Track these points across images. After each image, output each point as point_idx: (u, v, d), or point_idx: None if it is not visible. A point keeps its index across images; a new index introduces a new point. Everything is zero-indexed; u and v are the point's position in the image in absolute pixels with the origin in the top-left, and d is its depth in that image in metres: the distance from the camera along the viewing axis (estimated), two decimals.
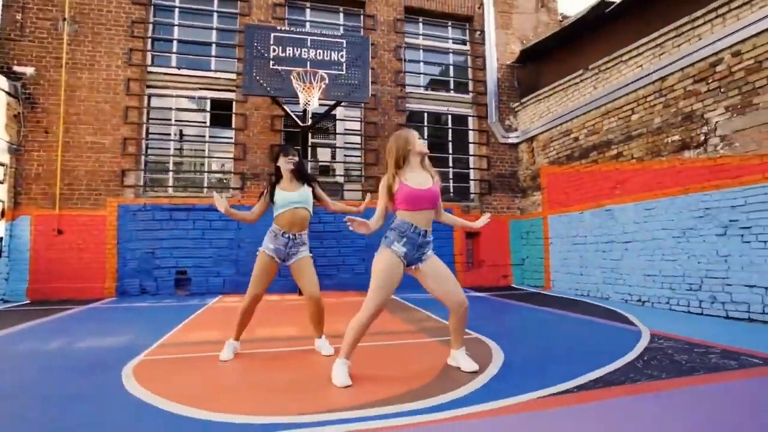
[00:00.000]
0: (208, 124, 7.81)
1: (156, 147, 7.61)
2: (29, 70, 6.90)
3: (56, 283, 6.74)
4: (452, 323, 2.76)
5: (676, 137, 5.52)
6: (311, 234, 7.64)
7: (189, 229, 7.25)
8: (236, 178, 7.60)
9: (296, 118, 6.84)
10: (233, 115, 7.75)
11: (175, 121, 7.77)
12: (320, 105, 6.44)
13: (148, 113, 7.63)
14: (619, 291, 6.19)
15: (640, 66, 6.10)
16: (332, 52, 6.45)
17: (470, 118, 9.03)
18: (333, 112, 7.54)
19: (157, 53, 7.72)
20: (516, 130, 8.94)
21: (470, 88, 9.11)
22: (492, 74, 8.92)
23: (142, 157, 7.37)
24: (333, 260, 7.78)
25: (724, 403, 2.16)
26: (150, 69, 7.52)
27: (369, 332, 2.76)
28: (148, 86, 7.51)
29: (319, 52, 6.38)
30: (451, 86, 9.22)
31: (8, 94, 6.60)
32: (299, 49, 6.32)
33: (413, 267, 2.62)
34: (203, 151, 7.88)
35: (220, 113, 7.84)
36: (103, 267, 6.92)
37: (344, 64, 6.49)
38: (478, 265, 8.64)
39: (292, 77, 5.86)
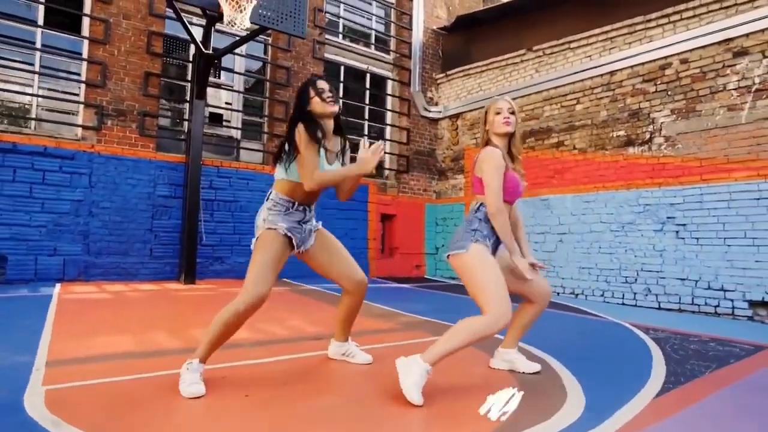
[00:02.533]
0: (41, 22, 5.64)
1: None
2: None
3: None
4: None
5: (622, 132, 6.20)
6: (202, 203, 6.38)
7: (6, 182, 5.16)
8: (88, 113, 5.71)
9: (197, 41, 5.44)
10: (86, 18, 5.78)
11: None
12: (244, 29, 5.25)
13: None
14: (550, 283, 6.73)
15: (589, 56, 6.66)
16: None
17: (390, 83, 8.68)
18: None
19: None
20: (437, 104, 8.96)
21: (392, 47, 8.75)
22: (417, 37, 8.72)
23: None
24: (226, 239, 6.58)
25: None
26: None
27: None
28: None
29: None
30: (372, 40, 8.70)
31: None
32: None
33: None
34: (32, 64, 5.68)
35: (63, 10, 5.75)
36: None
37: None
38: (390, 252, 8.44)
39: None
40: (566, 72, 6.82)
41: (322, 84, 2.30)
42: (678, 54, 5.76)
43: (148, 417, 1.73)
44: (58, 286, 5.09)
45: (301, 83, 2.42)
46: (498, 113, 2.30)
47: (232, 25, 4.78)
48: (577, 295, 6.41)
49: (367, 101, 8.45)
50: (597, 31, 6.53)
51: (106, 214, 5.72)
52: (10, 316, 3.53)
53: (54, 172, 5.41)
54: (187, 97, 6.40)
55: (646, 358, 3.02)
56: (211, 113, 6.97)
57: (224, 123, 7.07)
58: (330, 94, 2.28)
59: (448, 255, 2.23)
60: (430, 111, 8.80)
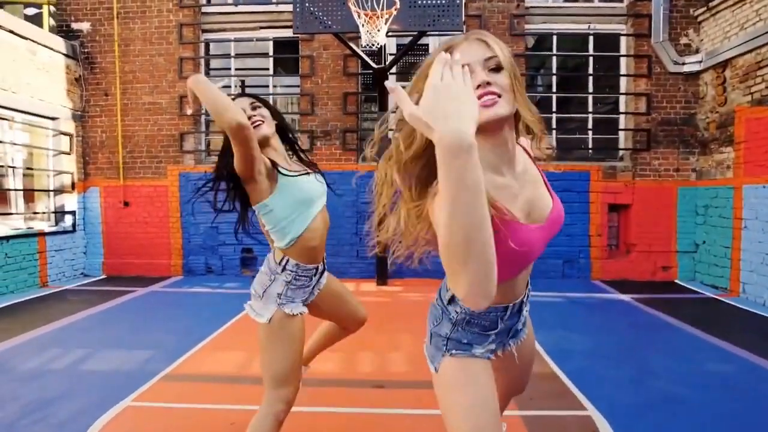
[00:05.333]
0: (271, 71, 7.31)
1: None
2: (85, 26, 7.06)
3: (127, 258, 7.19)
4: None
5: None
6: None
7: None
8: (303, 138, 7.08)
9: (366, 59, 5.90)
10: (299, 59, 7.11)
11: (236, 69, 7.42)
12: (396, 37, 5.40)
13: (206, 63, 7.41)
14: None
15: None
16: None
17: (623, 39, 7.02)
18: (421, 44, 6.40)
19: None
20: (698, 51, 6.71)
21: None
22: None
23: (202, 117, 7.23)
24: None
25: None
26: (204, 10, 7.17)
27: None
28: (204, 30, 7.20)
29: None
30: None
31: (67, 56, 6.85)
32: None
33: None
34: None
35: (285, 57, 7.26)
36: (168, 242, 7.15)
37: None
38: (625, 249, 7.03)
39: (349, 4, 4.86)
40: None
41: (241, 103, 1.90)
42: None
43: None
44: None
45: None
46: None
47: (372, 46, 5.01)
48: None
49: (590, 70, 7.13)
50: None
51: (336, 219, 6.99)
52: (219, 311, 4.93)
53: None
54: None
55: None
56: None
57: None
58: (253, 113, 1.88)
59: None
60: (685, 63, 6.68)
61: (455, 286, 0.87)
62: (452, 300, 1.28)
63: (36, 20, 6.99)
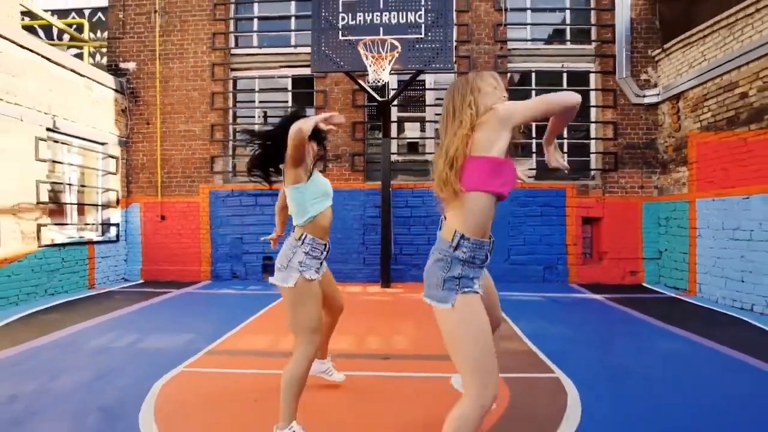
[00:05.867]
0: (290, 104, 7.84)
1: (241, 132, 7.93)
2: (131, 66, 7.63)
3: (163, 265, 7.58)
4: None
5: None
6: (400, 220, 7.30)
7: (274, 215, 7.47)
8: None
9: (372, 93, 6.41)
10: (314, 93, 7.63)
11: (259, 102, 7.96)
12: (397, 75, 5.91)
13: (234, 97, 7.94)
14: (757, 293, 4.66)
15: None
16: (409, 13, 5.79)
17: (592, 75, 7.56)
18: (419, 80, 6.93)
19: (239, 34, 7.93)
20: (656, 85, 7.23)
21: (593, 36, 7.58)
22: (624, 12, 7.26)
23: (230, 143, 7.73)
24: (422, 249, 7.36)
25: None
26: (233, 51, 7.75)
27: None
28: (232, 69, 7.77)
29: (394, 15, 5.76)
30: (568, 36, 7.80)
31: (116, 91, 7.39)
32: (371, 14, 5.79)
33: None
34: None
35: (301, 92, 7.79)
36: (199, 251, 7.56)
37: (423, 26, 5.78)
38: (598, 257, 7.42)
39: (359, 48, 5.39)
40: None
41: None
42: None
43: (225, 411, 2.73)
44: None
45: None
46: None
47: (377, 83, 5.51)
48: None
49: None
50: None
51: (332, 232, 7.39)
52: (244, 307, 5.31)
53: None
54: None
55: None
56: (409, 142, 7.93)
57: (419, 150, 7.88)
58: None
59: (428, 303, 1.70)
60: (644, 96, 7.19)
61: None
62: (458, 246, 1.62)
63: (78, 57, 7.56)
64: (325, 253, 2.41)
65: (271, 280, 2.35)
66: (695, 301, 5.90)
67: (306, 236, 2.30)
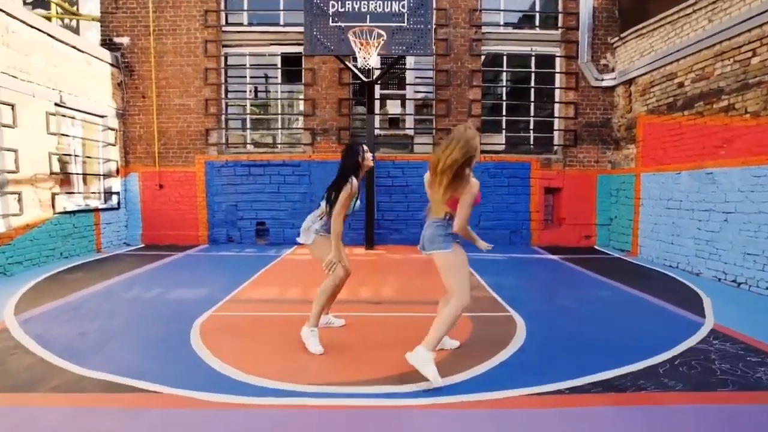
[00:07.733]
0: (279, 80, 8.33)
1: (234, 105, 8.41)
2: (125, 40, 7.93)
3: (162, 230, 8.17)
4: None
5: None
6: (382, 189, 8.05)
7: (266, 184, 8.11)
8: (306, 134, 8.15)
9: (359, 74, 7.01)
10: (302, 70, 8.14)
11: (250, 78, 8.43)
12: (383, 58, 6.52)
13: (225, 72, 8.37)
14: (712, 267, 5.70)
15: None
16: (393, 3, 6.35)
17: (557, 59, 8.31)
18: (401, 63, 7.54)
19: (230, 11, 8.28)
20: (613, 70, 8.06)
21: (559, 22, 8.29)
22: (587, 1, 7.97)
23: (222, 117, 8.22)
24: (401, 215, 8.16)
25: (724, 428, 2.18)
26: (224, 29, 8.13)
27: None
28: (224, 45, 8.17)
29: (379, 4, 6.32)
30: (537, 22, 8.48)
31: (111, 65, 7.72)
32: (358, 2, 6.33)
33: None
34: (276, 108, 8.51)
35: (291, 69, 8.28)
36: (196, 218, 8.17)
37: (406, 15, 6.37)
38: (557, 223, 8.39)
39: (349, 35, 5.97)
40: (742, 17, 5.37)
41: (365, 147, 3.27)
42: None
43: (242, 340, 3.50)
44: (294, 247, 7.77)
45: (351, 146, 3.25)
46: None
47: (366, 65, 6.12)
48: (739, 284, 5.30)
49: (532, 83, 8.40)
50: None
51: (321, 200, 8.10)
52: (247, 266, 6.04)
53: (289, 175, 8.09)
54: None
55: None
56: (390, 118, 8.59)
57: (400, 125, 8.56)
58: (370, 155, 3.26)
59: (431, 253, 2.70)
60: (603, 79, 8.02)
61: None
62: (449, 219, 2.69)
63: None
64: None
65: (297, 239, 3.32)
66: (635, 260, 6.94)
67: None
